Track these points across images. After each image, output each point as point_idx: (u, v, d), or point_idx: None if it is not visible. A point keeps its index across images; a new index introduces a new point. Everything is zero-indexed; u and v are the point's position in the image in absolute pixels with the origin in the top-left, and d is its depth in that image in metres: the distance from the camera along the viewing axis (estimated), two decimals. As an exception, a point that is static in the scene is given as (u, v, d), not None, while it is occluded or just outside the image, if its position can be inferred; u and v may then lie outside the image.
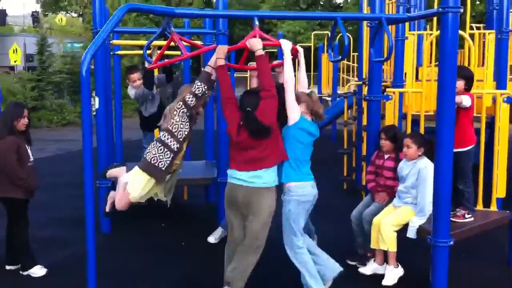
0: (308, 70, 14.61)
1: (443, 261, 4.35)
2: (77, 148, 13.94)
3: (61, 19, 29.57)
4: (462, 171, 5.00)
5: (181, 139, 4.38)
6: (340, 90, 13.80)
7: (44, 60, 20.19)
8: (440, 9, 4.21)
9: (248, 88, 4.78)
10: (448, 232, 4.35)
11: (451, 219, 4.83)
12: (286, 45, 4.39)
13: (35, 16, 31.20)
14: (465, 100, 4.86)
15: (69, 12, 31.83)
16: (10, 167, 4.95)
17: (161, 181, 4.43)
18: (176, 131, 4.36)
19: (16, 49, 25.69)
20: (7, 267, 5.29)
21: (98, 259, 3.84)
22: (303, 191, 4.36)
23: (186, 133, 4.40)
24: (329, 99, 15.52)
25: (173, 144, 4.36)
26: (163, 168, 4.34)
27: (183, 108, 4.36)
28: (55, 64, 21.76)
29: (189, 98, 4.36)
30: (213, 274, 4.97)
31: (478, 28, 11.04)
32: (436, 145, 4.33)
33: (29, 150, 5.20)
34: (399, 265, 4.98)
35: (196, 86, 4.36)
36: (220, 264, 4.58)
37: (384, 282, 4.87)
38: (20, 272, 5.23)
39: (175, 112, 4.38)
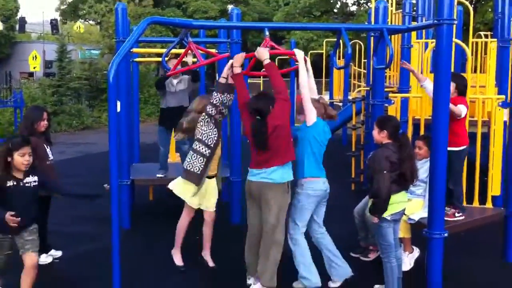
0: (320, 76, 14.76)
1: (438, 253, 4.67)
2: (94, 150, 14.43)
3: (79, 26, 30.22)
4: (452, 170, 5.31)
5: (211, 145, 5.05)
6: (351, 96, 14.14)
7: (64, 66, 20.73)
8: (435, 21, 4.59)
9: None
10: (443, 224, 4.69)
11: (442, 217, 5.17)
12: (299, 54, 4.87)
13: (54, 24, 31.87)
14: (464, 112, 5.25)
15: (87, 20, 32.48)
16: None
17: (197, 185, 5.13)
18: (206, 139, 5.03)
19: (35, 55, 26.39)
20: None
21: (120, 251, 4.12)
22: (315, 186, 4.80)
23: (215, 138, 5.07)
24: (341, 104, 15.88)
25: (205, 151, 5.04)
26: (198, 173, 5.06)
27: (206, 118, 5.03)
28: (74, 70, 22.33)
29: (209, 108, 5.01)
30: (225, 265, 5.39)
31: (486, 36, 11.35)
32: (432, 145, 4.70)
33: (48, 150, 5.63)
34: (413, 248, 5.45)
35: (214, 97, 4.98)
36: (233, 259, 5.07)
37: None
38: None
39: (200, 123, 5.05)
